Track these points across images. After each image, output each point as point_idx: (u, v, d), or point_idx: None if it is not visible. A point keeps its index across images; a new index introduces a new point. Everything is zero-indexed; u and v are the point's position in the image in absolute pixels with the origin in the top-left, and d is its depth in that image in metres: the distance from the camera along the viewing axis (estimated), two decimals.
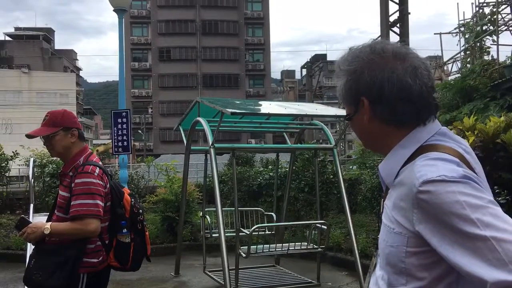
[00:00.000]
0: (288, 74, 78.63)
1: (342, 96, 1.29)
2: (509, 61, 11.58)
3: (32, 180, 7.33)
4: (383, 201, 1.29)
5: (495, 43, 12.89)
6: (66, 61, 60.39)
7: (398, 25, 12.70)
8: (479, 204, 1.01)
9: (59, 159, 3.38)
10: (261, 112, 6.67)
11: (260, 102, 8.16)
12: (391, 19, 12.79)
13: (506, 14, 13.45)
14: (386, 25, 12.67)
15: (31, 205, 6.71)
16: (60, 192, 2.83)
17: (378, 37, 13.57)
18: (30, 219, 3.09)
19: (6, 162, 10.39)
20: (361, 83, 1.23)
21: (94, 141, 62.03)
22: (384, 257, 1.20)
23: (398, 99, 1.19)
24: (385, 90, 1.19)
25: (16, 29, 65.79)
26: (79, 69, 71.29)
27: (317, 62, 71.84)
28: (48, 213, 3.10)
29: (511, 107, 9.39)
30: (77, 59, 72.39)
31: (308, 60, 75.19)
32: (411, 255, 1.11)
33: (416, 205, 1.08)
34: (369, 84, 1.21)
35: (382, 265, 1.21)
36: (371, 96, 1.21)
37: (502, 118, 5.81)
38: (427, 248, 1.09)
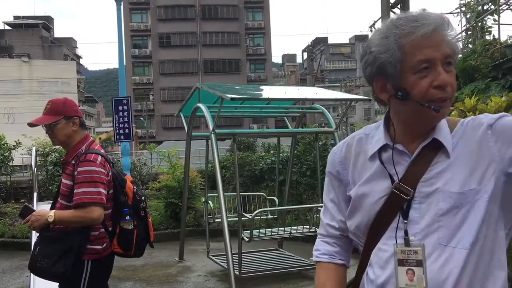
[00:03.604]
0: (289, 58, 78.31)
1: (456, 52, 1.27)
2: (511, 40, 11.50)
3: (35, 169, 7.38)
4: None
5: (497, 22, 12.77)
6: (66, 49, 60.14)
7: (399, 6, 12.58)
8: None
9: (61, 147, 3.41)
10: (261, 97, 6.67)
11: (261, 87, 8.16)
12: (392, 0, 12.67)
13: None
14: (387, 6, 12.55)
15: (35, 194, 6.77)
16: (63, 180, 2.86)
17: (379, 18, 13.48)
18: (34, 207, 3.13)
19: (9, 152, 10.45)
20: None
21: (97, 129, 62.12)
22: (485, 213, 1.23)
23: None
24: None
25: (15, 17, 65.42)
26: (79, 57, 71.07)
27: (318, 45, 71.48)
28: (51, 201, 3.14)
29: None
30: (77, 47, 72.13)
31: (309, 43, 74.81)
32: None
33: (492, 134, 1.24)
34: None
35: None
36: None
37: (504, 98, 5.79)
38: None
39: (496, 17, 12.70)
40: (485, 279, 1.24)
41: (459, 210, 1.22)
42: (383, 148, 1.35)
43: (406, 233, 1.27)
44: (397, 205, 1.29)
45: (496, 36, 12.61)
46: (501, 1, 12.68)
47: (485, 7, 13.26)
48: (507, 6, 13.16)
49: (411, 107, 1.26)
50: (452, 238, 1.23)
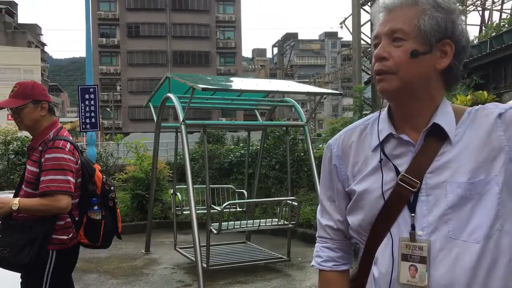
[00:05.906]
0: (259, 52, 78.18)
1: (421, 29, 1.20)
2: (477, 41, 11.80)
3: None
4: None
5: (463, 23, 13.08)
6: (30, 35, 58.31)
7: (369, 3, 12.74)
8: None
9: (24, 136, 3.29)
10: (233, 88, 6.62)
11: (232, 79, 8.12)
12: None
13: None
14: (357, 3, 12.69)
15: None
16: (28, 167, 2.75)
17: (350, 15, 13.61)
18: None
19: None
20: (455, 27, 1.24)
21: (61, 119, 60.44)
22: (498, 204, 1.16)
23: (462, 60, 1.27)
24: (467, 48, 1.26)
25: None
26: (44, 44, 69.07)
27: (289, 40, 71.72)
28: (13, 191, 3.02)
29: (478, 86, 9.59)
30: (42, 34, 70.10)
31: (280, 38, 74.94)
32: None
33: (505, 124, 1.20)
34: (461, 33, 1.24)
35: (491, 218, 1.16)
36: (458, 45, 1.24)
37: (469, 97, 5.95)
38: None
39: (463, 17, 13.01)
40: (508, 278, 1.16)
41: (468, 201, 1.16)
42: (386, 139, 1.27)
43: (413, 227, 1.20)
44: (403, 198, 1.21)
45: None
46: (468, 2, 13.00)
47: None
48: (474, 7, 13.51)
49: None
50: (463, 231, 1.15)
